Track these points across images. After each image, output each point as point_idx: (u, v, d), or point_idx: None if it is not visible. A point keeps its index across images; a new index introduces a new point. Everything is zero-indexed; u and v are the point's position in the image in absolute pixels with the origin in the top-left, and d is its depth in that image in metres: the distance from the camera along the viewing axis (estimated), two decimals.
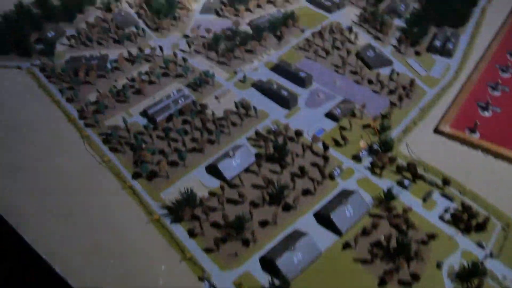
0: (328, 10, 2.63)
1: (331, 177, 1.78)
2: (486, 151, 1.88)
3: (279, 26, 2.46)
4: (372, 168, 1.82)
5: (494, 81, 2.15)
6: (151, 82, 2.23)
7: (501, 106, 2.05)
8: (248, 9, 2.66)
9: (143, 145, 1.89)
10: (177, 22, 2.61)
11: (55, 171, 1.88)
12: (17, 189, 1.84)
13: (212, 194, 1.74)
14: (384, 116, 2.01)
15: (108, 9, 2.73)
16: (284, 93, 2.05)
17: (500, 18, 2.58)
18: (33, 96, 2.24)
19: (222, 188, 1.72)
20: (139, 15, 2.71)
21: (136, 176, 1.82)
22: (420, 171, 1.78)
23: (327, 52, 2.28)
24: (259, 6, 2.69)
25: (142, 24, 2.63)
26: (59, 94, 2.22)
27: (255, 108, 2.01)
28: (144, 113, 2.07)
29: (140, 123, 2.04)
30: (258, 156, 1.86)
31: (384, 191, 1.70)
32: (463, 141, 1.91)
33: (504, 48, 2.36)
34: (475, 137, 1.92)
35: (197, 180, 1.80)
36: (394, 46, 2.38)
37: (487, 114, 2.03)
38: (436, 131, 1.96)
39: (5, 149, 1.98)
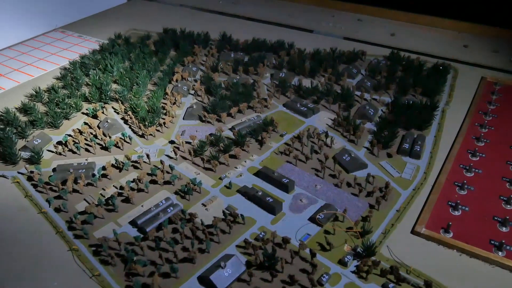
0: (304, 115, 2.84)
1: (320, 284, 1.84)
2: (461, 250, 2.00)
3: (260, 131, 2.63)
4: (358, 273, 1.90)
5: (460, 181, 2.34)
6: (139, 190, 2.29)
7: (468, 205, 2.22)
8: (229, 114, 2.83)
9: (135, 258, 1.92)
10: (162, 128, 2.74)
11: None
12: None
13: None
14: (364, 219, 2.13)
15: (94, 116, 2.85)
16: (270, 200, 2.16)
17: (459, 118, 2.85)
18: (19, 207, 2.25)
19: None
20: (125, 121, 2.83)
21: None
22: (403, 273, 1.88)
23: (307, 158, 2.44)
24: (239, 111, 2.88)
25: (128, 130, 2.75)
26: (46, 204, 2.24)
27: (242, 216, 2.10)
28: (133, 223, 2.12)
29: (129, 233, 2.08)
30: (248, 264, 1.92)
31: None
32: (439, 242, 2.04)
33: (465, 148, 2.59)
34: (449, 236, 2.05)
35: None
36: (367, 149, 2.57)
37: (457, 213, 2.18)
38: (413, 232, 2.09)
39: None
